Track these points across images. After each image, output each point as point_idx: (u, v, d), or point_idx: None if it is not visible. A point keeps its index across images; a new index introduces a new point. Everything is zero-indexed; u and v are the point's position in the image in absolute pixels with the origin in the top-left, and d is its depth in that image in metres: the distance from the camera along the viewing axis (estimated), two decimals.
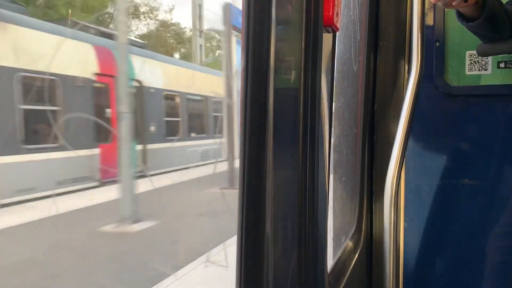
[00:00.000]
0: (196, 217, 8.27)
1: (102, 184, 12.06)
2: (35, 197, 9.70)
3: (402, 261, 1.91)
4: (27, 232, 7.49)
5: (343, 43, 1.77)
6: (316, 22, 0.92)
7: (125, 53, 8.61)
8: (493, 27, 1.52)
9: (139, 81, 13.81)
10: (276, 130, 0.79)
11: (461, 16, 1.53)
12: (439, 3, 1.41)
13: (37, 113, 10.58)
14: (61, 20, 15.05)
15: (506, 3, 1.60)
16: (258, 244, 0.77)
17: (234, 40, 13.47)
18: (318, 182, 0.97)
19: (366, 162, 1.83)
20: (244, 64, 0.74)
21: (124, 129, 8.19)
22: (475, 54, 1.80)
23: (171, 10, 42.02)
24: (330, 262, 1.47)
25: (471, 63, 1.83)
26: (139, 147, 12.93)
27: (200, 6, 28.67)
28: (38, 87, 10.41)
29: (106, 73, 12.01)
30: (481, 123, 1.86)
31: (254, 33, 0.74)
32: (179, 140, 16.35)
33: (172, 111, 16.46)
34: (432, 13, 1.85)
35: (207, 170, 14.07)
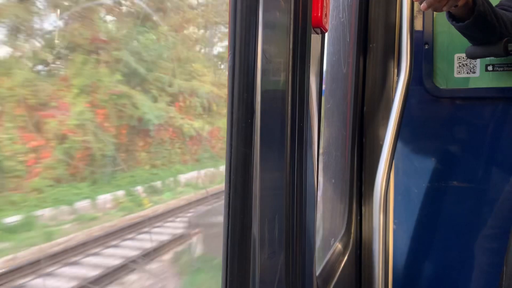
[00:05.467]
0: None
1: None
2: None
3: (391, 263, 1.91)
4: None
5: (332, 45, 1.76)
6: (304, 22, 0.91)
7: None
8: (482, 28, 1.53)
9: None
10: (264, 131, 0.78)
11: (451, 16, 1.54)
12: (430, 8, 1.42)
13: None
14: None
15: (496, 6, 1.61)
16: (244, 247, 0.76)
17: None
18: (306, 183, 0.96)
19: (356, 164, 1.83)
20: (231, 63, 0.73)
21: None
22: (463, 57, 1.81)
23: None
24: (318, 265, 1.47)
25: (459, 66, 1.84)
26: None
27: None
28: None
29: None
30: (469, 125, 1.87)
31: (241, 33, 0.73)
32: None
33: None
34: (421, 16, 1.86)
35: None
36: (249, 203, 0.76)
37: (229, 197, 0.74)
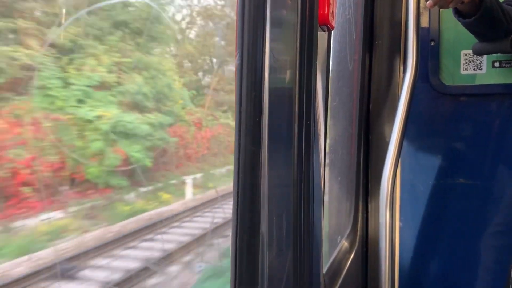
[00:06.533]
0: None
1: None
2: None
3: (398, 261, 1.91)
4: None
5: (338, 42, 1.76)
6: (311, 20, 0.91)
7: None
8: (489, 24, 1.52)
9: None
10: (271, 129, 0.78)
11: (457, 13, 1.53)
12: (436, 5, 1.42)
13: None
14: None
15: (503, 2, 1.60)
16: (253, 244, 0.76)
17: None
18: (313, 181, 0.96)
19: (362, 161, 1.83)
20: (238, 62, 0.73)
21: None
22: (470, 54, 1.80)
23: None
24: (325, 263, 1.47)
25: (466, 63, 1.83)
26: None
27: None
28: None
29: None
30: (476, 122, 1.86)
31: (249, 31, 0.73)
32: None
33: None
34: (427, 12, 1.85)
35: None
36: (257, 201, 0.76)
37: (237, 195, 0.74)
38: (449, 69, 1.86)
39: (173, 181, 13.61)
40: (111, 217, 10.23)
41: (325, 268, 1.37)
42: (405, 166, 1.90)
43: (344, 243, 1.70)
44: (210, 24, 19.53)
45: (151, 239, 8.91)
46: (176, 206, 11.76)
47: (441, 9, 1.83)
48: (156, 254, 7.85)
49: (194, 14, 19.17)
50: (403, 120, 1.57)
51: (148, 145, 12.44)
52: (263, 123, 0.76)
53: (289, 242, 0.89)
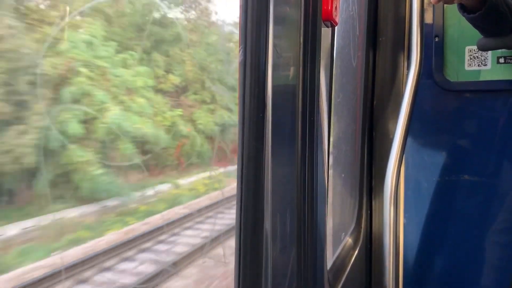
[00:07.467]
0: None
1: None
2: None
3: (402, 258, 1.91)
4: None
5: (342, 38, 1.75)
6: (314, 16, 0.91)
7: None
8: (494, 20, 1.51)
9: None
10: (275, 125, 0.78)
11: (462, 8, 1.52)
12: (441, 2, 1.41)
13: None
14: None
15: None
16: (256, 241, 0.76)
17: None
18: (317, 178, 0.96)
19: (366, 158, 1.82)
20: (242, 58, 0.73)
21: None
22: (474, 50, 1.79)
23: None
24: (329, 259, 1.47)
25: (470, 59, 1.82)
26: None
27: None
28: None
29: None
30: (480, 118, 1.85)
31: (252, 27, 0.73)
32: None
33: None
34: (431, 8, 1.84)
35: None
36: (261, 197, 0.76)
37: (241, 192, 0.74)
38: (453, 65, 1.85)
39: None
40: None
41: (329, 265, 1.37)
42: (409, 163, 1.89)
43: (348, 240, 1.70)
44: None
45: None
46: None
47: (445, 5, 1.82)
48: None
49: None
50: (407, 117, 1.57)
51: None
52: (266, 119, 0.76)
53: (293, 239, 0.89)
